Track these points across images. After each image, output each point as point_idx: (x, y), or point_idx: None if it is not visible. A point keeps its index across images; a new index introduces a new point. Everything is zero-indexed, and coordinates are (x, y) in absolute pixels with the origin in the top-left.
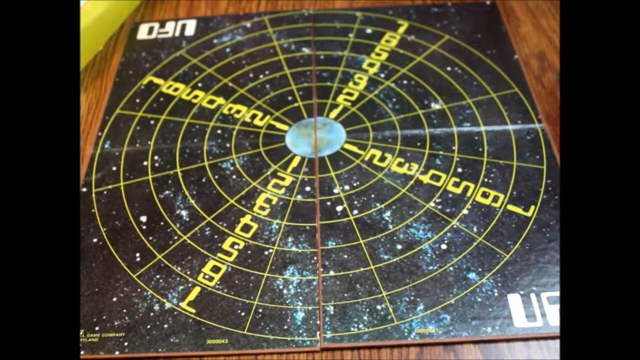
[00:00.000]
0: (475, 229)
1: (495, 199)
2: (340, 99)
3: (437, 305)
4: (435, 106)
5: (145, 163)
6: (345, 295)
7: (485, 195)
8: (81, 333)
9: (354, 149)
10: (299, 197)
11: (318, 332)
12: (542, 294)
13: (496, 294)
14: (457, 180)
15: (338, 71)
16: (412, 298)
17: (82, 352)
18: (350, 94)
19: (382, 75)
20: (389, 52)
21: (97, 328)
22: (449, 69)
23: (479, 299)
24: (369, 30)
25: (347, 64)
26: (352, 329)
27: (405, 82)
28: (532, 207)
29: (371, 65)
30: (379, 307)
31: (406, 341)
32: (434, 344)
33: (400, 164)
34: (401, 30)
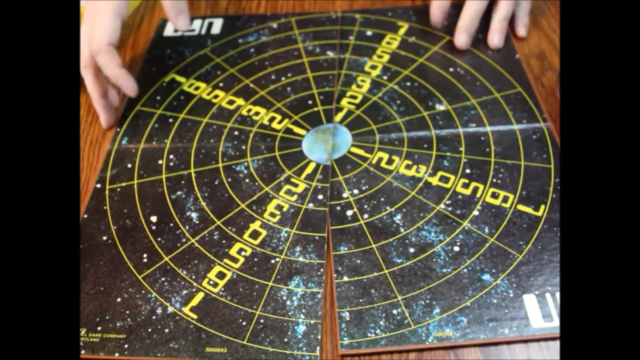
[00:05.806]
0: (486, 230)
1: (505, 199)
2: (345, 102)
3: (453, 308)
4: (440, 107)
5: (160, 162)
6: (361, 300)
7: (494, 195)
8: (83, 332)
9: (361, 152)
10: (311, 205)
11: (318, 347)
12: (557, 294)
13: (511, 295)
14: (466, 181)
15: (340, 74)
16: (427, 301)
17: (82, 352)
18: (354, 97)
19: (385, 77)
20: (390, 54)
21: (99, 328)
22: (451, 69)
23: (495, 301)
24: (369, 33)
25: (348, 67)
26: (369, 334)
27: (408, 83)
28: (542, 207)
29: (373, 67)
30: (395, 311)
31: (424, 345)
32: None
33: (408, 167)
34: (401, 31)
